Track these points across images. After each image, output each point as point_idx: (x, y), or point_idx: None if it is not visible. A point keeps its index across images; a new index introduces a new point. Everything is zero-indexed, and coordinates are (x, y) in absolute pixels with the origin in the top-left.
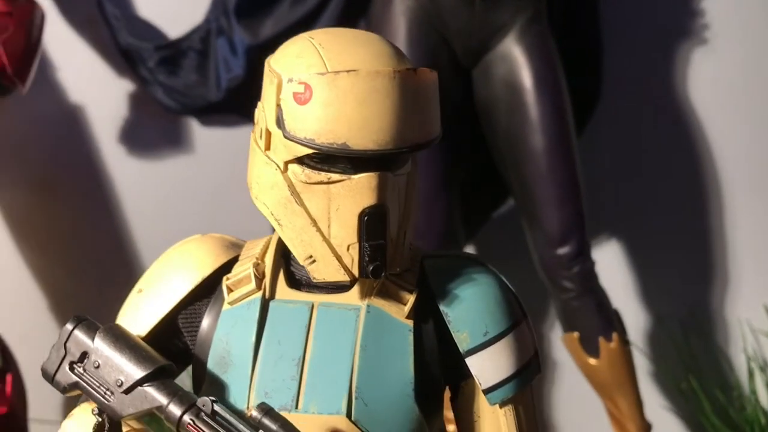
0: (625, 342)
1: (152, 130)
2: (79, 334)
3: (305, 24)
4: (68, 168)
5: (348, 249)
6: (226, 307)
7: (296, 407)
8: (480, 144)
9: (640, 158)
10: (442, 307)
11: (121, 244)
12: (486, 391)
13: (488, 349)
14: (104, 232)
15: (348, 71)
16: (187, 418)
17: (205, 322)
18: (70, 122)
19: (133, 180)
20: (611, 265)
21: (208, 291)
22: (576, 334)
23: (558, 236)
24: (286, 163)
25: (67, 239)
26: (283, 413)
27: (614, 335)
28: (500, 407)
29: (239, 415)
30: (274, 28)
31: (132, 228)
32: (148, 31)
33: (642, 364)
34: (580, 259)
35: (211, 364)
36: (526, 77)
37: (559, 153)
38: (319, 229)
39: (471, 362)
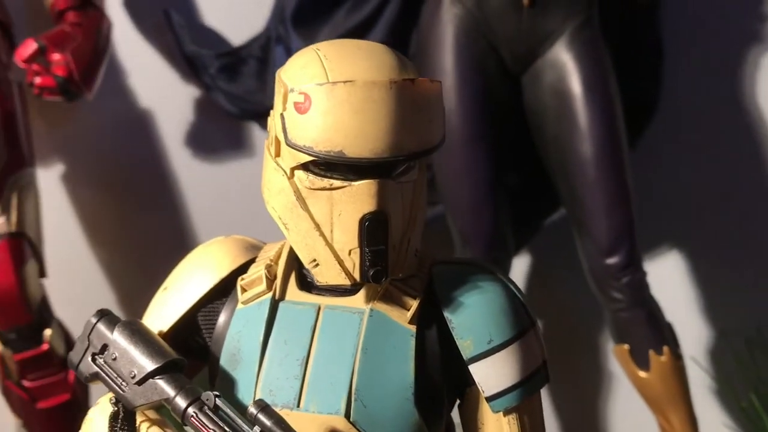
0: (677, 356)
1: (216, 133)
2: (101, 327)
3: (360, 32)
4: (137, 168)
5: (350, 253)
6: (239, 306)
7: (298, 406)
8: (531, 150)
9: (702, 165)
10: (446, 314)
11: (185, 242)
12: (489, 399)
13: (492, 356)
14: (170, 230)
15: (345, 82)
16: (191, 410)
17: (221, 320)
18: (140, 125)
19: (198, 181)
20: (671, 277)
21: (225, 290)
22: (626, 346)
23: (606, 245)
24: (292, 170)
25: (135, 237)
26: (285, 411)
27: (665, 348)
28: (504, 415)
29: (241, 410)
30: (329, 35)
31: (195, 226)
32: (212, 39)
33: (702, 380)
34: (630, 270)
35: (223, 361)
36: (574, 84)
37: (608, 161)
38: (322, 234)
39: (474, 369)
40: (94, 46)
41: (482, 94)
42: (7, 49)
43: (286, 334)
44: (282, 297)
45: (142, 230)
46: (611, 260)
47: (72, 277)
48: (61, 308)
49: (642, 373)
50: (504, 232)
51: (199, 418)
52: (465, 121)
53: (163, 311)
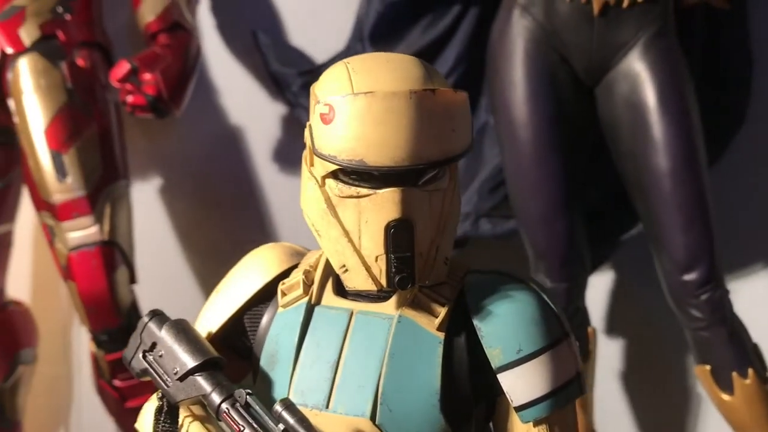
0: (764, 379)
1: (300, 149)
2: (152, 326)
3: (436, 48)
4: (227, 182)
5: (376, 260)
6: (280, 309)
7: (327, 407)
8: (610, 165)
9: None
10: (475, 322)
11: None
12: (518, 409)
13: (521, 366)
14: (256, 241)
15: (366, 93)
16: (224, 406)
17: (263, 322)
18: (230, 141)
19: (283, 193)
20: (760, 296)
21: (269, 294)
22: (708, 367)
23: (683, 262)
24: (323, 178)
25: (224, 247)
26: (315, 412)
27: (750, 371)
28: (534, 426)
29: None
30: (405, 51)
31: (281, 238)
32: (297, 58)
33: None
34: (709, 287)
35: (263, 361)
36: (648, 95)
37: (684, 175)
38: (350, 240)
39: (503, 379)
40: (183, 66)
41: (553, 106)
42: (106, 71)
43: (320, 337)
44: (318, 302)
45: (231, 241)
46: (688, 277)
47: (164, 283)
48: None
49: (725, 396)
50: (579, 248)
51: (231, 414)
52: (536, 134)
53: (213, 313)
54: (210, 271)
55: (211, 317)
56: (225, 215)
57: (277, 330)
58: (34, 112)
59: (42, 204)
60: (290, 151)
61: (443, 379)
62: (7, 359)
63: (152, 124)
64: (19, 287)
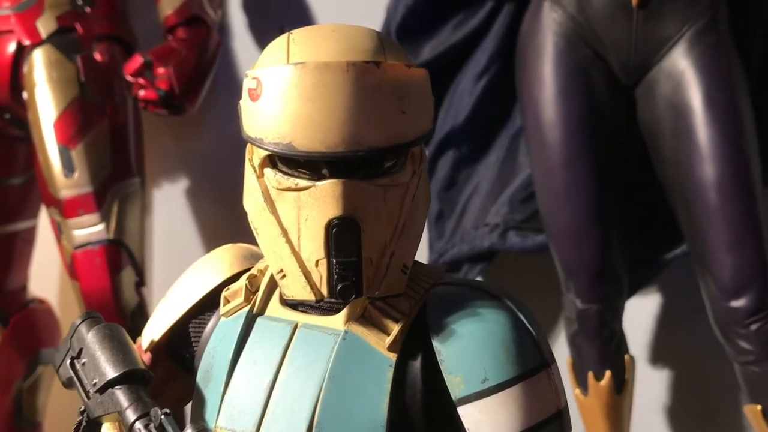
0: None
1: None
2: (83, 330)
3: (466, 47)
4: None
5: (317, 265)
6: (222, 319)
7: None
8: (652, 174)
9: None
10: (435, 343)
11: None
12: None
13: (486, 399)
14: None
15: (296, 64)
16: (138, 425)
17: (206, 332)
18: None
19: None
20: None
21: (217, 301)
22: (759, 407)
23: (731, 286)
24: (261, 168)
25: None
26: None
27: None
28: None
29: None
30: (433, 51)
31: None
32: None
33: None
34: (761, 316)
35: (199, 377)
36: (693, 97)
37: (733, 186)
38: (289, 241)
39: (464, 413)
40: (198, 62)
41: (586, 107)
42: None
43: (257, 353)
44: (261, 311)
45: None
46: (737, 303)
47: None
48: None
49: None
50: (614, 265)
51: None
52: (566, 137)
53: (158, 320)
54: None
55: (156, 324)
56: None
57: (215, 342)
58: (45, 104)
59: (50, 200)
60: None
61: (392, 408)
62: (27, 358)
63: (179, 124)
64: (44, 285)
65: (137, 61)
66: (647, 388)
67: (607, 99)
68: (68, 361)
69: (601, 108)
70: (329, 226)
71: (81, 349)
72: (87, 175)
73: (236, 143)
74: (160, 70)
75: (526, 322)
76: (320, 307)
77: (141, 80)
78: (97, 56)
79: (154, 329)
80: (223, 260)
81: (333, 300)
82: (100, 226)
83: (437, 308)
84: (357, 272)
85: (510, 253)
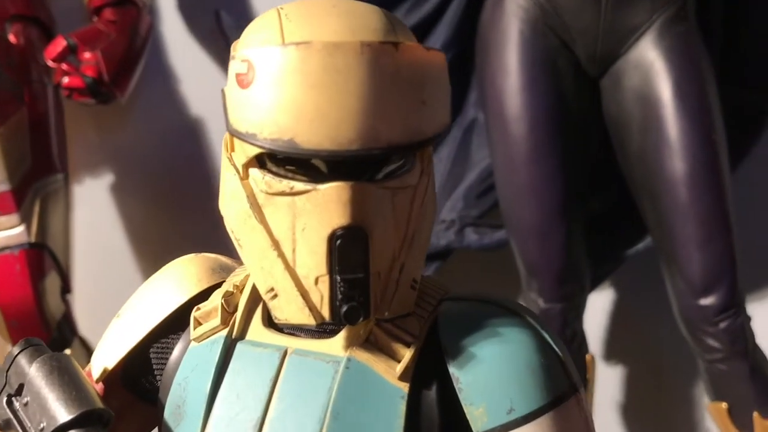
0: None
1: None
2: (22, 362)
3: (421, 30)
4: (187, 180)
5: (316, 283)
6: (192, 344)
7: None
8: (614, 168)
9: None
10: (452, 369)
11: (232, 252)
12: None
13: None
14: (220, 246)
15: (298, 44)
16: None
17: (172, 360)
18: (191, 133)
19: None
20: None
21: (184, 322)
22: (724, 405)
23: (700, 283)
24: (246, 168)
25: (183, 248)
26: None
27: None
28: None
29: None
30: None
31: None
32: None
33: None
34: (730, 313)
35: (168, 413)
36: (663, 88)
37: (703, 181)
38: (281, 254)
39: None
40: (129, 46)
41: (552, 98)
42: (44, 50)
43: (240, 385)
44: (242, 335)
45: (190, 245)
46: (706, 301)
47: (111, 294)
48: (99, 327)
49: None
50: (577, 263)
51: None
52: (531, 130)
53: (112, 344)
54: None
55: (108, 350)
56: (183, 216)
57: (186, 371)
58: None
59: None
60: None
61: None
62: None
63: (103, 114)
64: None
65: (60, 44)
66: (605, 387)
67: (574, 90)
68: (4, 400)
69: (568, 100)
70: (332, 238)
71: (21, 385)
72: (4, 172)
73: (168, 135)
74: (87, 55)
75: (551, 341)
76: (311, 329)
77: (64, 66)
78: (12, 38)
79: (107, 355)
80: (187, 274)
81: (332, 324)
82: (20, 228)
83: (451, 328)
84: (364, 290)
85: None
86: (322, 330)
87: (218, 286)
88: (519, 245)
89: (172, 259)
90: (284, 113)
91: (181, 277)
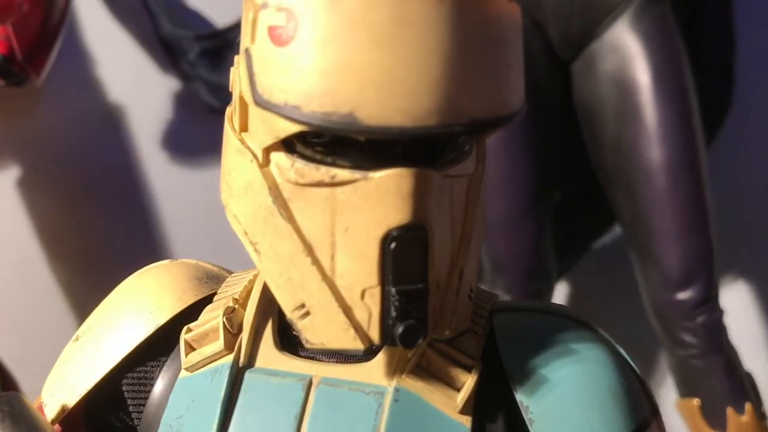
0: (761, 415)
1: (197, 133)
2: None
3: None
4: (105, 173)
5: (363, 296)
6: (183, 374)
7: None
8: (580, 155)
9: None
10: (520, 397)
11: (159, 257)
12: None
13: None
14: (142, 245)
15: None
16: None
17: (156, 393)
18: (109, 122)
19: (175, 188)
20: (745, 316)
21: (165, 345)
22: (696, 401)
23: (678, 276)
24: (267, 151)
25: (101, 252)
26: None
27: (747, 406)
28: None
29: None
30: None
31: (172, 239)
32: (194, 19)
33: None
34: (707, 307)
35: None
36: (641, 73)
37: (683, 170)
38: (316, 261)
39: None
40: (45, 21)
41: (525, 83)
42: None
43: (255, 425)
44: (251, 362)
45: (110, 245)
46: (683, 295)
47: (19, 305)
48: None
49: None
50: (546, 257)
51: None
52: None
53: (70, 375)
54: (82, 288)
55: (66, 382)
56: (101, 216)
57: (179, 409)
58: None
59: None
60: (183, 134)
61: None
62: None
63: (11, 98)
64: None
65: None
66: None
67: (546, 75)
68: None
69: (540, 85)
70: (386, 240)
71: None
72: None
73: (85, 122)
74: None
75: (627, 357)
76: (340, 353)
77: None
78: None
79: (65, 389)
80: (167, 285)
81: (377, 346)
82: None
83: (514, 347)
84: (423, 305)
85: None
86: (351, 355)
87: (208, 299)
88: (486, 240)
89: (92, 265)
90: (341, 79)
91: (159, 289)
